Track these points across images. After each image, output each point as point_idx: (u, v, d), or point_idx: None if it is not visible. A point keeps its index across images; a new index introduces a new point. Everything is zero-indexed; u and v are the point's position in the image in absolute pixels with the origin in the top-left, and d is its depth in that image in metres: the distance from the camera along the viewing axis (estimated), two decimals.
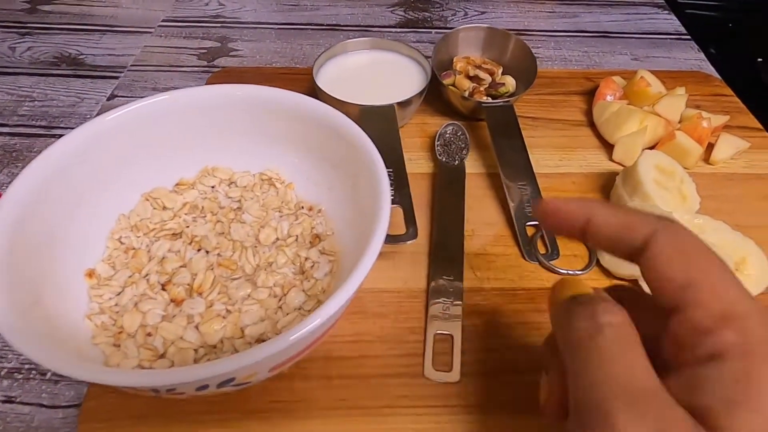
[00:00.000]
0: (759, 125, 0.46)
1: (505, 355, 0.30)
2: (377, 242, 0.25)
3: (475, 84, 0.45)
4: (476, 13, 0.63)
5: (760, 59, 0.58)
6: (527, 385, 0.29)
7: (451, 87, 0.44)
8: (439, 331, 0.30)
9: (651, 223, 0.18)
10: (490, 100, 0.43)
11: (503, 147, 0.39)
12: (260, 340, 0.28)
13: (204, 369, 0.19)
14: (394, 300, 0.32)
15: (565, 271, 0.34)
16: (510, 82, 0.45)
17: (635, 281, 0.33)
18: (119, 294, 0.29)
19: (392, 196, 0.33)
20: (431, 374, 0.29)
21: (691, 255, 0.17)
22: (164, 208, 0.33)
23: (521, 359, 0.30)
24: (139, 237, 0.32)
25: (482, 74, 0.45)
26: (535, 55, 0.56)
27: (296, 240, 0.33)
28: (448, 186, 0.38)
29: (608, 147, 0.43)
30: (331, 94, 0.39)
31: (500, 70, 0.46)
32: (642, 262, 0.18)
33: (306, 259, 0.32)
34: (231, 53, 0.55)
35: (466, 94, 0.44)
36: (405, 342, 0.30)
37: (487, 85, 0.45)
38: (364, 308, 0.32)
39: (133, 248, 0.32)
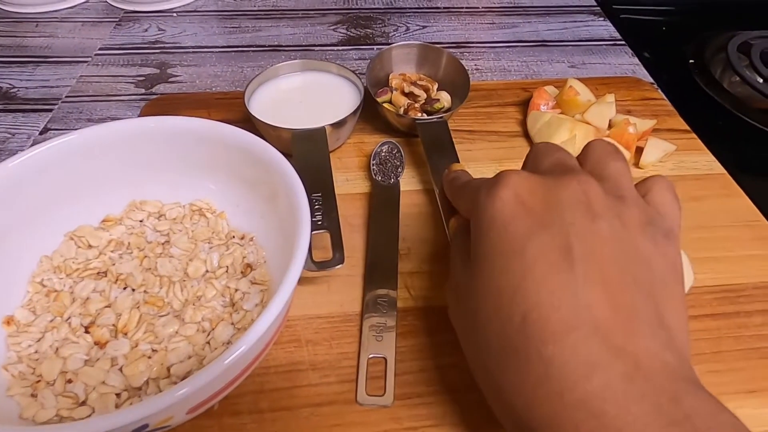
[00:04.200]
0: (687, 127, 0.47)
1: (439, 375, 0.30)
2: (294, 273, 0.25)
3: (410, 101, 0.45)
4: (418, 27, 0.64)
5: (691, 61, 0.60)
6: (460, 403, 0.29)
7: (386, 104, 0.44)
8: (372, 355, 0.30)
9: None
10: (424, 116, 0.43)
11: (437, 163, 0.39)
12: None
13: (97, 422, 0.19)
14: (329, 325, 0.32)
15: None
16: (445, 98, 0.45)
17: None
18: (39, 340, 0.28)
19: (320, 221, 0.33)
20: (364, 399, 0.29)
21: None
22: (89, 246, 0.33)
23: (454, 378, 0.30)
24: (61, 278, 0.31)
25: (417, 91, 0.45)
26: (476, 66, 0.58)
27: (227, 271, 0.32)
28: (382, 205, 0.38)
29: None
30: (263, 120, 0.39)
31: (435, 86, 0.47)
32: None
33: (236, 290, 0.31)
34: (170, 79, 0.54)
35: (401, 111, 0.44)
36: (339, 368, 0.30)
37: (422, 102, 0.45)
38: (297, 336, 0.31)
39: (56, 290, 0.31)
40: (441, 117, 0.42)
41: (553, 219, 0.20)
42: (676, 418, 0.16)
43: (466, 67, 0.46)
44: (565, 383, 0.17)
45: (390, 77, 0.47)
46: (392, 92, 0.46)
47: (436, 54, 0.48)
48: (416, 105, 0.44)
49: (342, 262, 0.31)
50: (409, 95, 0.45)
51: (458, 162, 0.40)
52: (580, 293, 0.19)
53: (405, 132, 0.45)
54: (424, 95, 0.45)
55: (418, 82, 0.46)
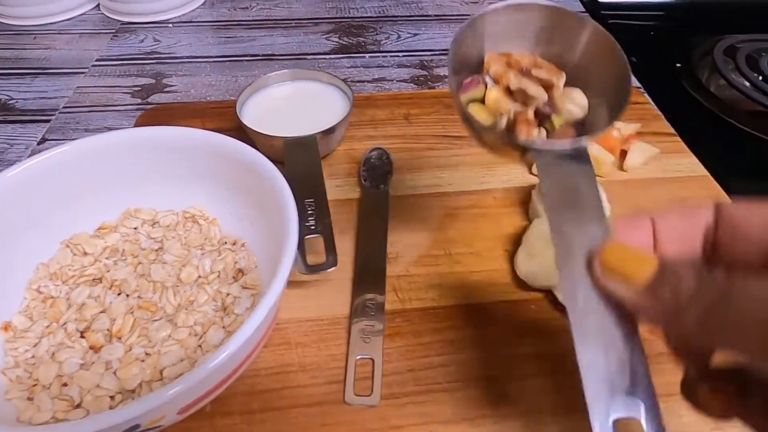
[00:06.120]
0: (671, 131, 0.48)
1: (425, 375, 0.31)
2: (282, 276, 0.26)
3: (520, 104, 0.27)
4: (409, 35, 0.65)
5: (678, 65, 0.62)
6: (445, 402, 0.30)
7: (475, 106, 0.27)
8: (360, 356, 0.31)
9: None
10: (542, 135, 0.26)
11: (569, 229, 0.22)
12: None
13: (89, 422, 0.20)
14: (318, 328, 0.33)
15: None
16: (577, 103, 0.27)
17: (549, 291, 0.34)
18: (36, 345, 0.29)
19: (313, 225, 0.34)
20: (352, 399, 0.29)
21: None
22: (85, 253, 0.34)
23: (440, 377, 0.31)
24: (57, 285, 0.32)
25: (533, 88, 0.26)
26: None
27: (218, 276, 0.33)
28: (371, 211, 0.39)
29: None
30: (255, 128, 0.40)
31: (562, 80, 0.27)
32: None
33: (227, 294, 0.32)
34: (165, 89, 0.55)
35: (503, 124, 0.26)
36: (327, 369, 0.31)
37: (542, 108, 0.26)
38: (287, 339, 0.32)
39: (52, 297, 0.32)
40: (579, 141, 0.24)
41: None
42: None
43: None
44: None
45: (486, 59, 0.28)
46: (487, 86, 0.27)
47: (571, 23, 0.27)
48: (528, 114, 0.26)
49: (335, 264, 0.32)
50: (518, 94, 0.27)
51: (608, 229, 0.22)
52: None
53: (505, 160, 0.30)
54: (544, 96, 0.26)
55: (534, 71, 0.27)
